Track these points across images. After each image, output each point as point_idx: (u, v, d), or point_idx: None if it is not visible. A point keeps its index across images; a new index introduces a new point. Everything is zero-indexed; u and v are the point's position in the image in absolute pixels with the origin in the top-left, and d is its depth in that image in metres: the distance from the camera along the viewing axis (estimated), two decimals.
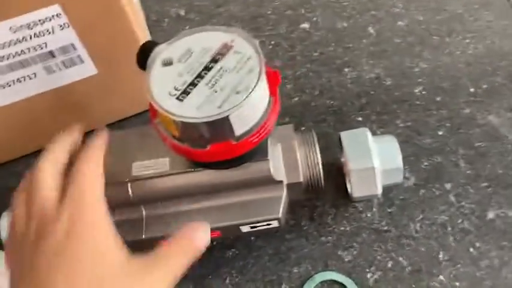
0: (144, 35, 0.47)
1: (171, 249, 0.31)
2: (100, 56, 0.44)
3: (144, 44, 0.33)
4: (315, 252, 0.42)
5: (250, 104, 0.30)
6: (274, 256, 0.42)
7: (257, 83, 0.30)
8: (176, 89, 0.30)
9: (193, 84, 0.30)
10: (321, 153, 0.39)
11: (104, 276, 0.28)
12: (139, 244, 0.35)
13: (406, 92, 0.50)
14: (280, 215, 0.37)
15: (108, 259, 0.29)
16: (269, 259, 0.42)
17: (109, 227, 0.30)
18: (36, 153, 0.33)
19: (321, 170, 0.38)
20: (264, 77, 0.30)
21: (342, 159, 0.44)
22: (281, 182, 0.37)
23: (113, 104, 0.49)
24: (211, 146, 0.31)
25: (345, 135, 0.41)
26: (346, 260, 0.41)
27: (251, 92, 0.30)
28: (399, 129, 0.47)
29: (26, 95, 0.45)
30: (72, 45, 0.42)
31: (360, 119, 0.48)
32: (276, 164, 0.37)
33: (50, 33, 0.41)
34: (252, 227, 0.38)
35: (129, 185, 0.37)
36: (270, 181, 0.37)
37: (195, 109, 0.29)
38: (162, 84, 0.31)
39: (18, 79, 0.43)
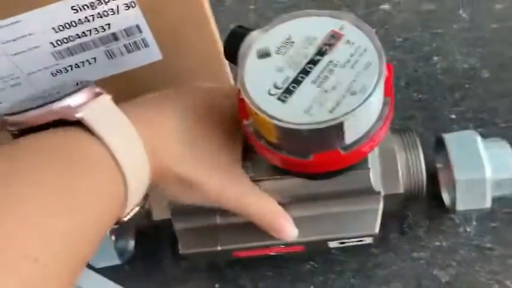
0: (212, 18, 0.42)
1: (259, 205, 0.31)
2: (166, 40, 0.39)
3: (234, 31, 0.28)
4: (406, 270, 0.37)
5: (367, 108, 0.24)
6: (359, 273, 0.37)
7: (377, 82, 0.25)
8: (276, 87, 0.25)
9: (296, 81, 0.25)
10: None
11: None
12: None
13: (507, 86, 0.43)
14: (376, 231, 0.32)
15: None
16: (353, 275, 0.37)
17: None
18: None
19: (425, 179, 0.33)
20: (384, 75, 0.25)
21: (438, 165, 0.38)
22: (378, 193, 0.32)
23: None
24: (315, 155, 0.26)
25: (450, 139, 0.35)
26: (443, 280, 0.36)
27: (370, 93, 0.24)
28: (500, 129, 0.41)
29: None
30: (138, 26, 0.38)
31: (454, 116, 0.43)
32: (375, 173, 0.32)
33: (114, 13, 0.36)
34: (341, 243, 0.33)
35: None
36: (366, 192, 0.32)
37: (303, 113, 0.24)
38: (258, 81, 0.26)
39: (76, 64, 0.39)
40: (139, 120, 0.28)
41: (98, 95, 0.27)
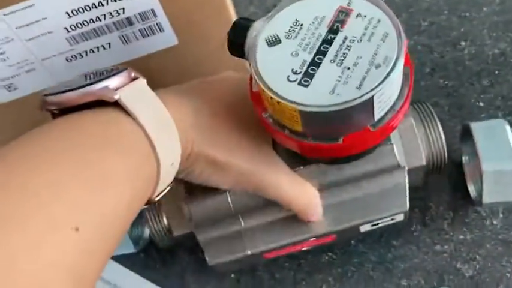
0: (230, 2, 0.41)
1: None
2: (182, 24, 0.38)
3: (236, 23, 0.27)
4: (428, 264, 0.35)
5: (393, 79, 0.23)
6: (379, 265, 0.36)
7: (399, 51, 0.23)
8: (295, 73, 0.24)
9: (315, 63, 0.24)
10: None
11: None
12: None
13: None
14: (407, 208, 0.31)
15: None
16: (372, 268, 0.36)
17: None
18: None
19: (446, 150, 0.32)
20: (404, 43, 0.24)
21: (464, 155, 0.37)
22: (403, 168, 0.31)
23: (191, 79, 0.44)
24: (345, 137, 0.25)
25: (477, 128, 0.33)
26: (467, 275, 0.35)
27: (395, 63, 0.23)
28: None
29: (98, 67, 0.40)
30: (153, 11, 0.37)
31: (482, 104, 0.41)
32: (398, 148, 0.31)
33: None
34: (373, 225, 0.32)
35: (228, 194, 0.32)
36: (392, 169, 0.31)
37: (329, 94, 0.23)
38: (274, 69, 0.24)
39: (91, 49, 0.38)
40: (173, 105, 0.29)
41: (134, 79, 0.28)
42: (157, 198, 0.28)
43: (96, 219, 0.23)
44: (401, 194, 0.31)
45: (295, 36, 0.25)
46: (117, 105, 0.26)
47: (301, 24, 0.26)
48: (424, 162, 0.32)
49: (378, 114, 0.24)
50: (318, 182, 0.31)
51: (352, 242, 0.37)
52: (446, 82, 0.42)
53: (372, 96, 0.23)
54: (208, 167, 0.30)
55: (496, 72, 0.42)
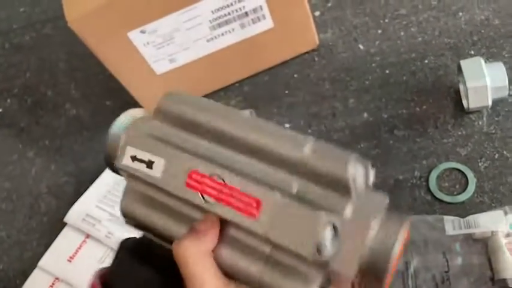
0: None
1: None
2: (277, 14, 0.62)
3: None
4: (439, 150, 0.57)
5: None
6: (408, 153, 0.58)
7: None
8: None
9: None
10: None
11: None
12: None
13: (511, 29, 0.62)
14: None
15: None
16: (404, 155, 0.58)
17: None
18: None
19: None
20: None
21: (460, 83, 0.59)
22: None
23: (281, 47, 0.67)
24: None
25: (464, 63, 0.55)
26: (463, 154, 0.57)
27: None
28: (505, 59, 0.61)
29: (225, 45, 0.64)
30: (260, 6, 0.60)
31: (472, 52, 0.62)
32: None
33: None
34: None
35: None
36: None
37: None
38: None
39: (222, 33, 0.62)
40: None
41: None
42: None
43: None
44: None
45: None
46: None
47: None
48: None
49: None
50: None
51: (391, 142, 0.59)
52: (449, 40, 0.64)
53: None
54: None
55: (482, 31, 0.63)
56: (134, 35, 0.59)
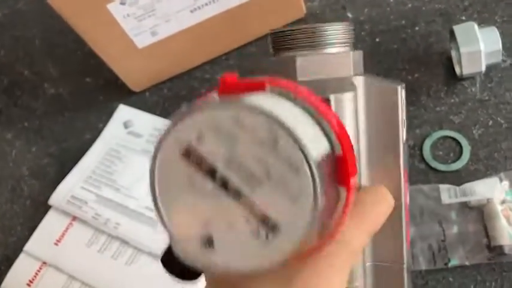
0: None
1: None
2: None
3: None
4: (432, 118, 0.56)
5: None
6: None
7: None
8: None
9: None
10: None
11: None
12: None
13: None
14: None
15: None
16: None
17: None
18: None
19: None
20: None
21: (452, 49, 0.57)
22: None
23: (268, 16, 0.64)
24: None
25: (457, 28, 0.54)
26: (457, 122, 0.56)
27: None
28: (497, 23, 0.59)
29: (209, 16, 0.61)
30: None
31: (464, 17, 0.61)
32: None
33: None
34: None
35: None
36: None
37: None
38: None
39: (205, 3, 0.60)
40: None
41: None
42: None
43: None
44: None
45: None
46: None
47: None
48: None
49: None
50: None
51: None
52: (440, 6, 0.62)
53: None
54: None
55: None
56: (114, 7, 0.56)
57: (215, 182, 0.21)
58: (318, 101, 0.23)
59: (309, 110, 0.23)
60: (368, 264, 0.31)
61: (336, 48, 0.31)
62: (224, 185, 0.21)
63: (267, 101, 0.22)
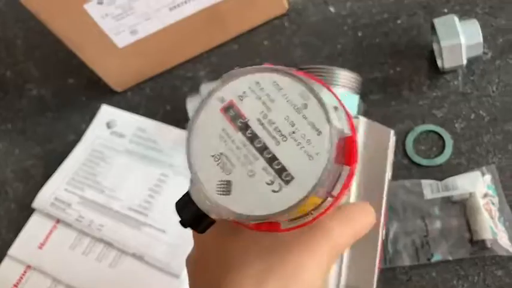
0: None
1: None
2: None
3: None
4: (415, 112, 0.56)
5: None
6: (384, 117, 0.57)
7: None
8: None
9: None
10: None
11: None
12: None
13: None
14: None
15: None
16: (379, 119, 0.57)
17: None
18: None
19: None
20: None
21: (434, 42, 0.57)
22: None
23: (249, 13, 0.64)
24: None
25: (437, 21, 0.53)
26: (439, 116, 0.55)
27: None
28: (479, 15, 0.59)
29: (189, 13, 0.60)
30: None
31: (446, 10, 0.60)
32: None
33: None
34: None
35: None
36: None
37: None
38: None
39: (184, 1, 0.59)
40: None
41: None
42: None
43: None
44: None
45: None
46: None
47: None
48: None
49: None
50: None
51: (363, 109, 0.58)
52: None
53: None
54: None
55: None
56: (91, 7, 0.55)
57: (245, 135, 0.25)
58: (338, 96, 0.27)
59: (332, 97, 0.27)
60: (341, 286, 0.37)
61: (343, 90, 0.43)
62: (253, 138, 0.25)
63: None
